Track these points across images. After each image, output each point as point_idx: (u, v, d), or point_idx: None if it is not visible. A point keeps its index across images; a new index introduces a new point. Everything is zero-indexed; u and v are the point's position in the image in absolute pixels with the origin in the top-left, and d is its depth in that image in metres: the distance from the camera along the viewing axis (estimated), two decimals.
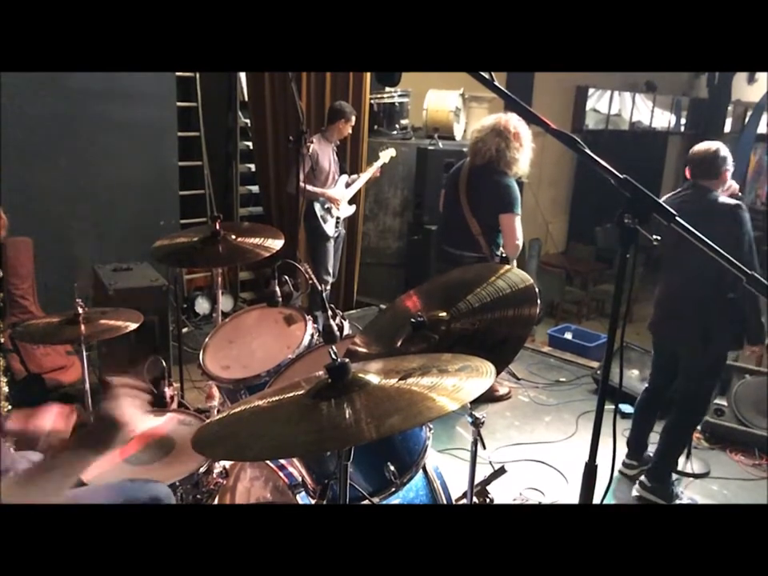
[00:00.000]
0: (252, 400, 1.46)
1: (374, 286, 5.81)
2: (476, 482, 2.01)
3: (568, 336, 5.25)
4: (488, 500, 2.21)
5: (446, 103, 5.74)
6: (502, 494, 2.75)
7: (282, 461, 1.87)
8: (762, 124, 10.31)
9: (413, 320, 1.73)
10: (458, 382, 1.26)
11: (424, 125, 5.89)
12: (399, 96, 5.78)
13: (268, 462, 1.87)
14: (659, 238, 1.23)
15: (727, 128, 10.59)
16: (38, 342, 3.12)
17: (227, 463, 2.11)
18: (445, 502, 1.99)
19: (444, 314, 1.76)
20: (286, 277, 2.71)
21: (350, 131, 4.71)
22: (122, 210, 4.54)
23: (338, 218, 4.71)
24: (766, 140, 10.51)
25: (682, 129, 10.40)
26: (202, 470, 2.03)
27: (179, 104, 4.90)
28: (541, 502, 2.99)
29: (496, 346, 1.62)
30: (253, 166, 5.80)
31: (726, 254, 1.25)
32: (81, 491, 1.84)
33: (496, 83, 1.25)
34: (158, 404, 2.49)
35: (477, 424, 1.81)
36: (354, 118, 4.62)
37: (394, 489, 1.68)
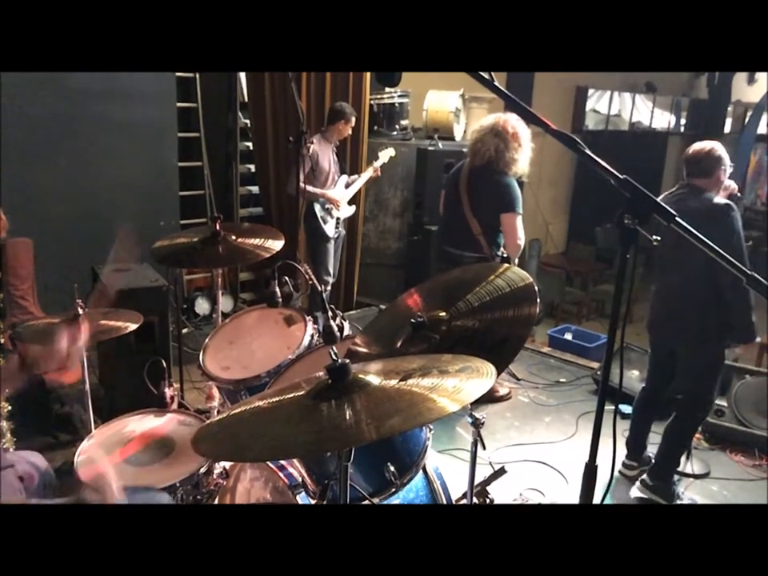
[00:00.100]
0: (252, 401, 1.46)
1: (374, 286, 5.81)
2: (476, 482, 2.01)
3: (568, 336, 5.25)
4: (488, 500, 2.21)
5: (446, 104, 5.74)
6: (502, 494, 2.75)
7: (282, 461, 1.87)
8: (761, 124, 10.32)
9: (413, 320, 1.73)
10: (459, 383, 1.26)
11: (424, 125, 5.89)
12: (399, 96, 5.79)
13: (268, 462, 1.87)
14: (659, 238, 1.23)
15: (727, 128, 10.60)
16: (38, 343, 3.11)
17: (227, 464, 2.11)
18: (445, 503, 1.99)
19: (444, 313, 1.76)
20: (286, 277, 2.72)
21: (350, 132, 4.71)
22: (122, 210, 4.53)
23: (337, 218, 4.71)
24: (765, 140, 10.52)
25: (682, 129, 10.41)
26: (202, 470, 2.03)
27: (179, 104, 4.90)
28: (541, 503, 2.99)
29: (496, 345, 1.62)
30: (253, 167, 5.80)
31: (724, 253, 1.24)
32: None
33: (496, 83, 1.26)
34: (158, 404, 2.49)
35: (477, 424, 1.81)
36: (354, 119, 4.62)
37: (394, 489, 1.68)
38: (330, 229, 4.64)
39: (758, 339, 2.91)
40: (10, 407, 2.61)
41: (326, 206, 4.61)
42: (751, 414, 3.61)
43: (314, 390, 1.32)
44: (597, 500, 1.44)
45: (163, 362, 2.71)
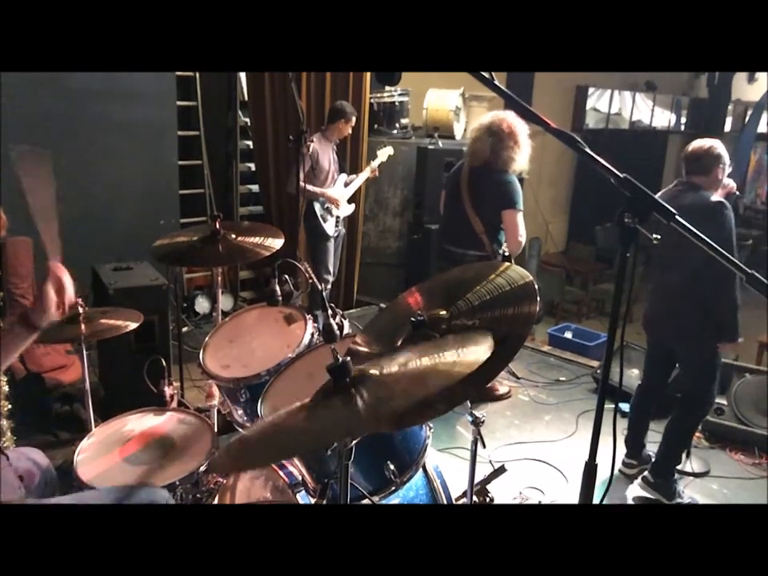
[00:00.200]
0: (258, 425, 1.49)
1: (374, 285, 5.82)
2: (476, 481, 2.01)
3: (568, 335, 5.25)
4: (488, 499, 2.22)
5: (446, 102, 5.74)
6: (502, 493, 2.76)
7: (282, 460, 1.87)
8: (762, 123, 10.32)
9: (413, 319, 1.73)
10: (457, 354, 1.27)
11: (424, 124, 5.89)
12: (399, 95, 5.78)
13: None
14: (659, 236, 1.23)
15: (727, 127, 10.60)
16: (38, 342, 3.11)
17: None
18: (445, 501, 1.99)
19: (444, 312, 1.76)
20: (286, 276, 2.71)
21: (350, 131, 4.71)
22: (122, 209, 4.54)
23: (337, 217, 4.71)
24: (766, 139, 10.52)
25: (682, 128, 10.40)
26: (201, 469, 2.03)
27: (179, 103, 4.90)
28: (541, 501, 3.00)
29: (496, 344, 1.62)
30: (253, 166, 5.80)
31: (723, 251, 1.25)
32: (78, 495, 1.83)
33: (496, 83, 1.26)
34: (158, 403, 2.49)
35: (477, 423, 1.82)
36: (354, 119, 4.62)
37: (393, 488, 1.69)
38: (329, 227, 4.64)
39: (740, 340, 2.90)
40: (10, 406, 2.61)
41: (326, 204, 4.61)
42: (751, 412, 3.62)
43: (320, 392, 1.33)
44: (597, 498, 1.44)
45: (163, 360, 2.71)
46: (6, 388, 2.54)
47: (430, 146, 5.42)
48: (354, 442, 1.31)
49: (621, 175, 1.24)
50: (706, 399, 3.04)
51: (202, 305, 5.20)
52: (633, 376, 4.09)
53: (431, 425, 1.80)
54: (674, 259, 2.89)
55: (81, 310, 2.34)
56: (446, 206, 3.84)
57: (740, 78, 10.27)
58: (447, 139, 5.65)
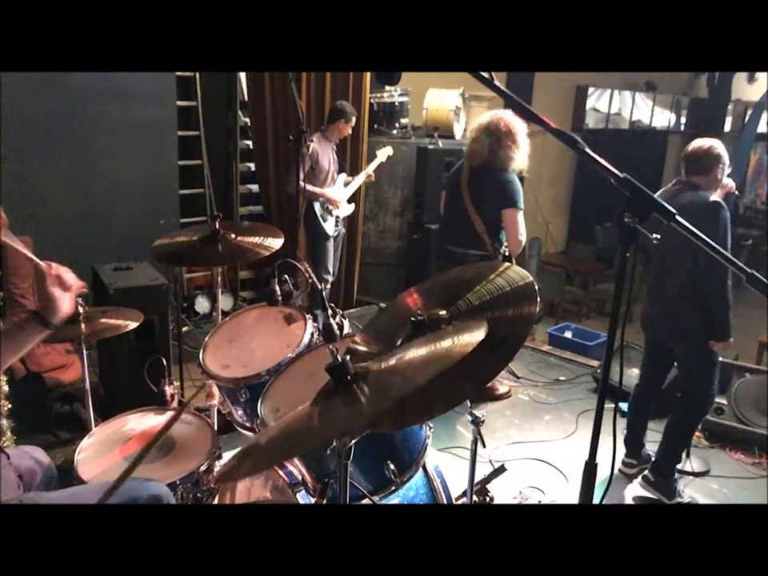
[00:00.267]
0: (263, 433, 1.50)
1: (374, 285, 5.82)
2: (476, 480, 2.01)
3: (568, 335, 5.25)
4: (488, 499, 2.22)
5: (446, 102, 5.74)
6: (502, 492, 2.76)
7: None
8: (762, 123, 10.32)
9: (413, 319, 1.73)
10: (453, 341, 1.29)
11: (424, 124, 5.89)
12: (399, 95, 5.79)
13: None
14: (659, 236, 1.23)
15: (727, 127, 10.60)
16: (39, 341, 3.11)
17: None
18: (445, 501, 1.99)
19: (444, 312, 1.76)
20: (286, 276, 2.71)
21: (350, 131, 4.71)
22: (122, 209, 4.54)
23: (337, 217, 4.71)
24: (765, 139, 10.52)
25: (682, 128, 10.40)
26: (202, 468, 2.03)
27: (179, 104, 4.90)
28: (541, 501, 3.00)
29: (496, 344, 1.62)
30: (253, 166, 5.80)
31: (723, 251, 1.25)
32: (79, 490, 1.84)
33: (496, 83, 1.26)
34: (158, 403, 2.49)
35: (477, 423, 1.81)
36: (354, 119, 4.62)
37: (393, 487, 1.69)
38: (329, 227, 4.64)
39: (731, 340, 2.91)
40: (10, 405, 2.61)
41: (326, 204, 4.61)
42: (751, 412, 3.62)
43: (321, 393, 1.34)
44: (597, 498, 1.44)
45: (163, 360, 2.71)
46: (5, 388, 2.54)
47: (430, 146, 5.42)
48: (354, 441, 1.31)
49: (621, 175, 1.24)
50: (705, 399, 3.04)
51: (201, 305, 5.20)
52: (633, 376, 4.09)
53: (431, 424, 1.80)
54: (671, 259, 2.90)
55: (81, 309, 2.34)
56: (447, 205, 3.84)
57: (740, 77, 10.27)
58: (447, 139, 5.65)
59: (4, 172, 3.83)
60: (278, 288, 2.45)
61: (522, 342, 1.66)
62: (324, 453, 1.60)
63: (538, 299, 1.64)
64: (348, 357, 1.33)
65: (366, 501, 1.65)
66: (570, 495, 3.06)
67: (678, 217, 1.21)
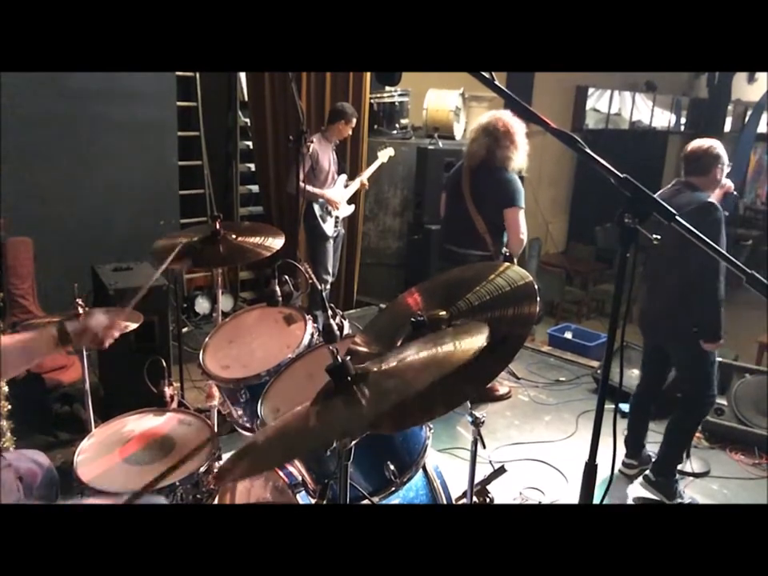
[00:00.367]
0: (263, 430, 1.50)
1: (374, 285, 5.81)
2: (476, 481, 2.01)
3: (568, 335, 5.25)
4: (488, 499, 2.21)
5: (446, 103, 5.74)
6: (502, 493, 2.76)
7: None
8: (761, 123, 10.32)
9: (413, 319, 1.73)
10: (453, 346, 1.29)
11: (424, 124, 5.89)
12: (399, 95, 5.78)
13: None
14: (659, 237, 1.23)
15: (727, 127, 10.59)
16: None
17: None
18: (445, 502, 1.99)
19: (444, 312, 1.76)
20: (286, 276, 2.71)
21: (350, 132, 4.71)
22: (122, 210, 4.54)
23: (336, 217, 4.71)
24: (765, 139, 10.52)
25: (682, 128, 10.40)
26: (202, 469, 2.03)
27: (179, 104, 4.90)
28: (541, 502, 3.00)
29: (496, 345, 1.62)
30: (253, 166, 5.80)
31: (723, 251, 1.25)
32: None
33: (496, 83, 1.26)
34: (158, 404, 2.49)
35: (477, 423, 1.81)
36: (354, 120, 4.61)
37: (393, 488, 1.68)
38: (328, 228, 4.64)
39: (722, 342, 2.91)
40: (9, 406, 2.61)
41: (325, 205, 4.61)
42: (751, 412, 3.62)
43: (321, 394, 1.33)
44: (597, 499, 1.44)
45: (163, 361, 2.71)
46: (5, 388, 2.54)
47: (430, 147, 5.42)
48: (354, 442, 1.31)
49: (621, 175, 1.24)
50: (705, 399, 3.04)
51: (202, 305, 5.20)
52: (633, 376, 4.09)
53: (431, 425, 1.79)
54: (666, 259, 2.91)
55: (81, 310, 2.34)
56: (448, 206, 3.84)
57: (740, 78, 10.27)
58: (447, 139, 5.65)
59: (4, 172, 3.83)
60: (278, 289, 2.45)
61: (522, 343, 1.66)
62: (324, 454, 1.60)
63: (538, 299, 1.64)
64: (348, 358, 1.33)
65: (365, 502, 1.64)
66: (570, 496, 3.06)
67: (678, 217, 1.22)
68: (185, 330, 4.78)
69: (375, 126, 5.70)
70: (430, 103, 5.79)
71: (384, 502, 1.69)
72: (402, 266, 5.76)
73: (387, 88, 5.66)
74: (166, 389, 2.59)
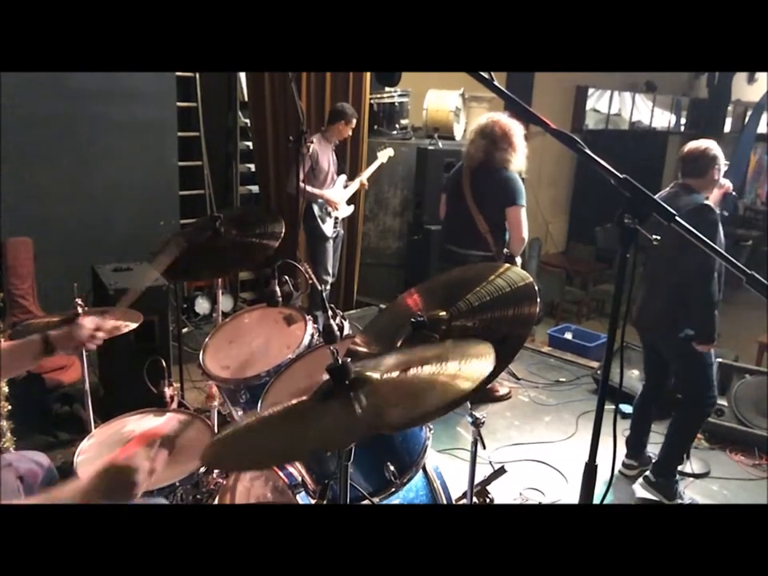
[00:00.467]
0: (254, 415, 1.47)
1: (374, 285, 5.81)
2: (476, 481, 2.01)
3: (568, 336, 5.25)
4: (488, 500, 2.21)
5: (446, 103, 5.74)
6: (502, 493, 2.76)
7: None
8: (761, 124, 10.31)
9: (413, 320, 1.73)
10: (460, 367, 1.26)
11: (424, 125, 5.89)
12: (399, 96, 5.78)
13: None
14: (659, 237, 1.23)
15: (727, 128, 10.60)
16: None
17: None
18: (445, 502, 1.99)
19: (444, 313, 1.76)
20: (286, 277, 2.71)
21: (350, 133, 4.71)
22: (122, 210, 4.54)
23: (336, 218, 4.71)
24: (765, 140, 10.51)
25: (682, 129, 10.40)
26: (202, 470, 2.03)
27: (179, 104, 4.90)
28: (541, 502, 3.00)
29: (496, 345, 1.62)
30: (253, 166, 5.80)
31: (723, 252, 1.25)
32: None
33: (496, 83, 1.26)
34: (158, 404, 2.49)
35: (477, 424, 1.81)
36: (354, 121, 4.61)
37: (394, 489, 1.68)
38: (328, 228, 4.64)
39: (715, 343, 2.91)
40: (10, 407, 2.61)
41: (324, 205, 4.61)
42: (751, 413, 3.62)
43: (319, 391, 1.33)
44: (597, 499, 1.44)
45: (163, 361, 2.71)
46: (5, 389, 2.54)
47: (430, 147, 5.42)
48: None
49: (620, 176, 1.24)
50: (705, 400, 3.04)
51: (202, 305, 5.20)
52: (633, 377, 4.09)
53: (431, 426, 1.80)
54: (663, 260, 2.91)
55: (80, 309, 2.34)
56: (448, 206, 3.84)
57: (740, 78, 10.27)
58: (447, 140, 5.65)
59: (4, 172, 3.83)
60: (278, 289, 2.46)
61: (522, 343, 1.66)
62: (324, 454, 1.60)
63: (538, 300, 1.64)
64: (349, 359, 1.32)
65: (366, 502, 1.64)
66: (570, 496, 3.06)
67: (678, 218, 1.22)
68: (185, 330, 4.78)
69: (375, 127, 5.70)
70: (430, 103, 5.80)
71: (384, 502, 1.69)
72: (402, 266, 5.76)
73: (387, 88, 5.66)
74: (166, 389, 2.60)
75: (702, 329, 2.88)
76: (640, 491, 3.18)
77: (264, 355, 2.34)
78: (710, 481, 3.33)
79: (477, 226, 3.61)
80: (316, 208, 4.57)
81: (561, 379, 4.48)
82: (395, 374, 1.31)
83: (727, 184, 3.11)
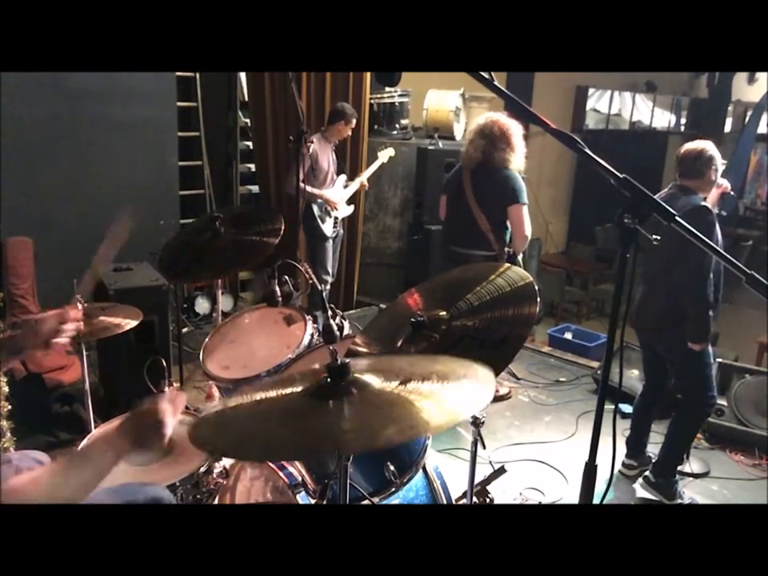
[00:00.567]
0: (250, 394, 1.42)
1: (374, 285, 5.81)
2: (476, 481, 2.01)
3: (568, 336, 5.25)
4: (488, 500, 2.21)
5: (446, 103, 5.74)
6: (502, 493, 2.76)
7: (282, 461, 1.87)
8: (762, 124, 10.30)
9: (413, 320, 1.73)
10: (458, 394, 1.23)
11: (424, 125, 5.89)
12: (399, 96, 5.78)
13: (268, 461, 1.87)
14: (659, 237, 1.23)
15: (727, 128, 10.59)
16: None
17: (227, 463, 2.11)
18: (445, 502, 1.99)
19: (444, 312, 1.76)
20: (286, 277, 2.71)
21: (350, 133, 4.71)
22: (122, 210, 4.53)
23: (335, 218, 4.71)
24: (765, 140, 10.51)
25: (682, 129, 10.40)
26: (202, 469, 2.03)
27: (179, 104, 4.90)
28: (541, 502, 3.00)
29: (496, 345, 1.62)
30: (253, 166, 5.80)
31: (723, 252, 1.25)
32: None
33: (496, 83, 1.26)
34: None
35: (477, 424, 1.81)
36: (354, 121, 4.61)
37: (393, 489, 1.68)
38: (327, 228, 4.64)
39: (708, 343, 2.91)
40: (10, 406, 2.61)
41: (324, 205, 4.61)
42: (751, 413, 3.62)
43: (313, 387, 1.30)
44: (597, 499, 1.44)
45: (163, 361, 2.71)
46: (5, 388, 2.54)
47: (430, 147, 5.42)
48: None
49: (620, 176, 1.24)
50: (704, 401, 3.04)
51: (202, 305, 5.20)
52: (633, 377, 4.09)
53: None
54: (660, 260, 2.91)
55: (80, 306, 2.34)
56: (449, 207, 3.83)
57: (740, 78, 10.27)
58: (447, 140, 5.65)
59: (4, 172, 3.83)
60: (277, 289, 2.46)
61: (522, 343, 1.66)
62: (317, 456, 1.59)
63: (538, 300, 1.64)
64: (348, 360, 1.30)
65: (366, 502, 1.64)
66: (570, 496, 3.06)
67: (678, 218, 1.22)
68: (185, 330, 4.78)
69: (375, 127, 5.70)
70: (430, 103, 5.79)
71: (384, 502, 1.69)
72: (402, 266, 5.76)
73: (387, 88, 5.66)
74: (166, 389, 2.59)
75: (695, 329, 2.88)
76: (640, 491, 3.18)
77: (264, 355, 2.34)
78: (710, 481, 3.33)
79: (478, 226, 3.61)
80: (315, 208, 4.57)
81: (561, 379, 4.48)
82: (394, 383, 1.27)
83: (725, 184, 3.11)
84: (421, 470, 1.88)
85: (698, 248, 1.26)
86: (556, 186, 8.72)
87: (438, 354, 1.63)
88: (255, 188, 5.83)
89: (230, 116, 5.60)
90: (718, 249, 1.24)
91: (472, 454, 1.88)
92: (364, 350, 1.87)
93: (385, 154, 5.02)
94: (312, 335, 2.33)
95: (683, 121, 10.44)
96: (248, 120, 5.60)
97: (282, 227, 2.67)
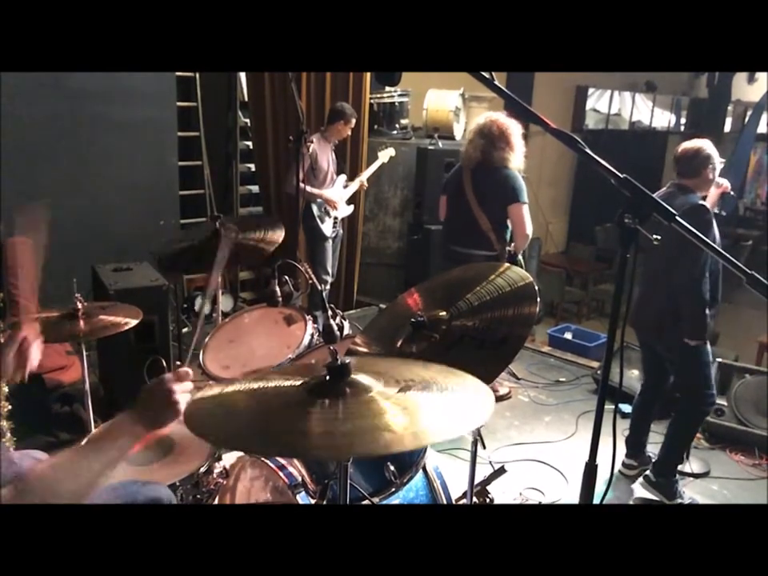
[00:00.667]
0: (249, 380, 1.41)
1: (374, 285, 5.81)
2: (476, 481, 2.01)
3: (568, 336, 5.25)
4: (488, 500, 2.21)
5: (446, 103, 5.74)
6: (502, 494, 2.76)
7: (282, 460, 1.87)
8: (761, 124, 10.31)
9: (413, 320, 1.73)
10: (457, 407, 1.22)
11: (424, 124, 5.89)
12: (399, 96, 5.78)
13: (268, 461, 1.87)
14: (659, 237, 1.23)
15: (727, 127, 10.60)
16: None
17: (227, 463, 2.11)
18: (445, 502, 1.99)
19: (444, 313, 1.76)
20: (286, 277, 2.71)
21: (350, 133, 4.71)
22: (122, 210, 4.54)
23: (335, 218, 4.71)
24: (765, 140, 10.51)
25: (682, 128, 10.41)
26: (202, 469, 2.03)
27: (179, 104, 4.91)
28: (541, 502, 3.00)
29: (496, 345, 1.62)
30: (253, 166, 5.81)
31: (724, 252, 1.25)
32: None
33: (496, 83, 1.25)
34: None
35: None
36: (354, 121, 4.61)
37: (393, 489, 1.69)
38: (327, 228, 4.64)
39: (708, 343, 2.92)
40: (10, 407, 2.60)
41: (323, 205, 4.61)
42: (751, 413, 3.62)
43: (311, 384, 1.28)
44: (597, 499, 1.44)
45: (163, 360, 2.71)
46: (5, 389, 2.54)
47: (430, 147, 5.42)
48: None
49: (621, 176, 1.24)
50: (704, 400, 3.04)
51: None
52: (633, 377, 4.09)
53: None
54: (659, 260, 2.92)
55: (80, 305, 2.34)
56: (449, 207, 3.83)
57: (740, 78, 10.27)
58: (447, 140, 5.65)
59: (4, 172, 3.83)
60: (278, 289, 2.46)
61: (522, 343, 1.66)
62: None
63: (538, 300, 1.64)
64: (348, 361, 1.29)
65: (366, 502, 1.64)
66: (570, 497, 3.06)
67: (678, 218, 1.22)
68: (185, 330, 4.78)
69: (375, 126, 5.70)
70: (430, 103, 5.79)
71: (384, 502, 1.69)
72: (402, 266, 5.76)
73: (387, 88, 5.66)
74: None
75: (692, 327, 2.88)
76: (640, 491, 3.18)
77: (264, 355, 2.35)
78: (710, 480, 3.33)
79: (479, 225, 3.61)
80: (315, 208, 4.57)
81: (561, 379, 4.48)
82: (393, 390, 1.25)
83: (725, 184, 3.11)
84: (421, 470, 1.88)
85: (696, 246, 1.26)
86: (556, 186, 8.72)
87: (437, 355, 1.63)
88: (255, 188, 5.83)
89: (230, 116, 5.60)
90: (718, 248, 1.24)
91: (472, 454, 1.88)
92: (364, 350, 1.87)
93: (385, 154, 5.02)
94: (312, 335, 2.33)
95: (683, 121, 10.45)
96: (248, 120, 5.60)
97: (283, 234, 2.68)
